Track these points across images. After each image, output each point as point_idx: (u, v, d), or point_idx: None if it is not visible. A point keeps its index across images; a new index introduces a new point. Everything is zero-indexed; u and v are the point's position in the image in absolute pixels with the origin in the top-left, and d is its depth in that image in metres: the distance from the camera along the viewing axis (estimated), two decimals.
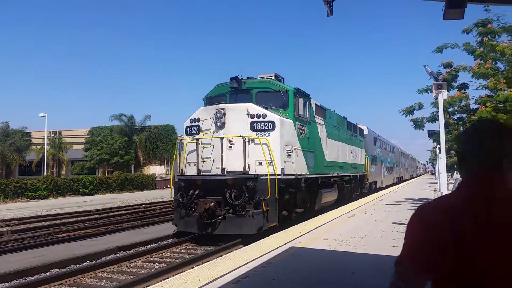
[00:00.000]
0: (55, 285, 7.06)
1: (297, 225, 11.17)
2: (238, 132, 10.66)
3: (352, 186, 21.00)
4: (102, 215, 18.15)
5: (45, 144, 42.70)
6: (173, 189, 11.65)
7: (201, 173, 10.87)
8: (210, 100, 12.90)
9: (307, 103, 13.43)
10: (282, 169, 11.04)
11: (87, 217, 17.42)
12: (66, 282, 7.27)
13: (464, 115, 17.07)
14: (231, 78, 12.20)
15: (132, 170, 45.45)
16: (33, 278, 7.42)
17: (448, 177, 21.97)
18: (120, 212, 19.48)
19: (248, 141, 10.60)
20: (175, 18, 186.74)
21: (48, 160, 44.90)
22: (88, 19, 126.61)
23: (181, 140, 12.24)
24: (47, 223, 15.55)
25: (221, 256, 8.14)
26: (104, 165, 45.88)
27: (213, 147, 10.88)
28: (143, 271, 8.04)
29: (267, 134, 10.86)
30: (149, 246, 10.43)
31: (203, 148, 11.00)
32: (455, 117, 17.44)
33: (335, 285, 5.60)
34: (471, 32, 15.25)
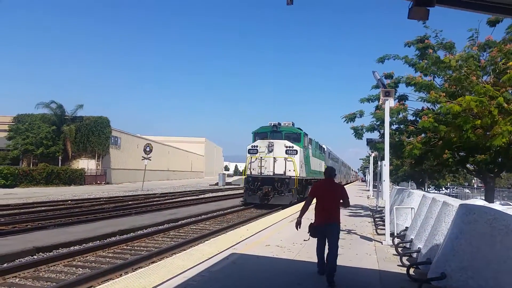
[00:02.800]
0: None
1: (238, 228, 11.19)
2: (280, 155, 21.78)
3: None
4: (21, 210, 16.55)
5: None
6: (244, 181, 23.29)
7: (261, 174, 21.69)
8: (256, 134, 23.60)
9: (307, 138, 24.84)
10: (299, 174, 22.05)
11: (4, 212, 15.77)
12: None
13: (402, 126, 17.50)
14: (273, 125, 23.09)
15: (60, 163, 42.30)
16: None
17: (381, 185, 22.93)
18: (43, 208, 17.88)
19: (285, 160, 21.62)
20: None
21: None
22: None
23: (250, 157, 22.34)
24: None
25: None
26: (29, 156, 42.23)
27: (266, 161, 21.73)
28: (63, 277, 7.11)
29: (293, 156, 21.79)
30: (72, 248, 9.42)
31: (260, 161, 21.72)
32: (393, 127, 17.86)
33: None
34: (412, 45, 15.72)
